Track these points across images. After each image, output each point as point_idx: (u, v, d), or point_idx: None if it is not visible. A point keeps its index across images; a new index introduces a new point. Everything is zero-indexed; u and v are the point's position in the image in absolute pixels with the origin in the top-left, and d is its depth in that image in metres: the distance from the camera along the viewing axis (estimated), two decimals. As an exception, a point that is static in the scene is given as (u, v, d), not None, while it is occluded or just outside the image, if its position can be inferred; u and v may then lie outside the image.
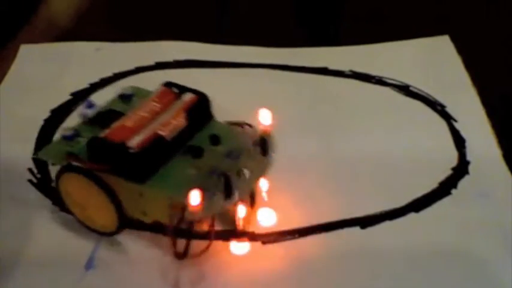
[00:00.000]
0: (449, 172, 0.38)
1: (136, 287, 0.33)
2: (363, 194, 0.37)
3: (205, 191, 0.31)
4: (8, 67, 0.48)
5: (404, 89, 0.45)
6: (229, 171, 0.32)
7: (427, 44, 0.50)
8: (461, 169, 0.39)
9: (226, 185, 0.32)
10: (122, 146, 0.32)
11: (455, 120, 0.42)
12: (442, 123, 0.42)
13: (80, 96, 0.45)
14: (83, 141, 0.34)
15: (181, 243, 0.32)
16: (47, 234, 0.35)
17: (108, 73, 0.47)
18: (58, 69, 0.47)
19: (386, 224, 0.35)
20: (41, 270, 0.33)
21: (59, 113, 0.44)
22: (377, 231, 0.35)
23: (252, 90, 0.45)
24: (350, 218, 0.35)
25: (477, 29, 0.51)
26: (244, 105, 0.44)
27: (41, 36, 0.51)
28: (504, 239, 0.34)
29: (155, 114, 0.34)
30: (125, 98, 0.37)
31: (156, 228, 0.35)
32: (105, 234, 0.35)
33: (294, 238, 0.35)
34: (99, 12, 0.56)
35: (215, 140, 0.35)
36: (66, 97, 0.45)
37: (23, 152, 0.40)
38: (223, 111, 0.43)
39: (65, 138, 0.35)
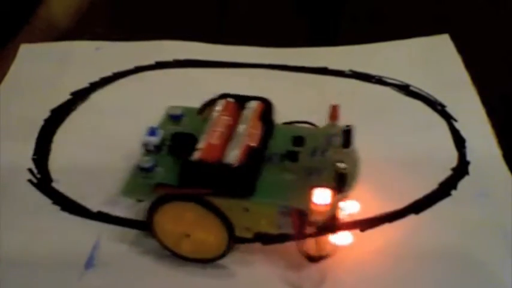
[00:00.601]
0: (449, 172, 0.38)
1: (136, 286, 0.33)
2: (362, 195, 0.37)
3: (330, 189, 0.31)
4: (8, 67, 0.48)
5: (405, 89, 0.45)
6: (324, 168, 0.32)
7: (427, 43, 0.50)
8: (461, 169, 0.39)
9: (340, 180, 0.32)
10: (223, 164, 0.31)
11: (456, 120, 0.42)
12: (442, 123, 0.42)
13: (80, 96, 0.45)
14: (161, 170, 0.33)
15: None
16: (47, 234, 0.35)
17: (108, 72, 0.47)
18: (58, 69, 0.47)
19: (385, 226, 0.35)
20: (41, 269, 0.33)
21: (59, 113, 0.44)
22: (376, 234, 0.35)
23: (252, 90, 0.45)
24: (349, 220, 0.35)
25: (477, 28, 0.51)
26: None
27: (41, 36, 0.52)
28: (504, 239, 0.34)
29: (231, 128, 0.34)
30: (175, 118, 0.37)
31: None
32: (208, 261, 0.33)
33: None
34: (99, 11, 0.56)
35: (299, 141, 0.35)
36: (66, 97, 0.45)
37: (23, 152, 0.40)
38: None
39: (144, 169, 0.33)
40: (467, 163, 0.39)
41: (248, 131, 0.33)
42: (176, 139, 0.35)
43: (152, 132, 0.35)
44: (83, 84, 0.46)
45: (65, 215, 0.36)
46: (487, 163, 0.39)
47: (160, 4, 0.56)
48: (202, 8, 0.56)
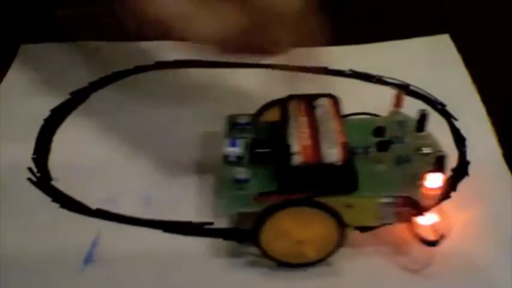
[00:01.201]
0: (449, 173, 0.38)
1: (135, 281, 0.33)
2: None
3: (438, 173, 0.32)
4: (8, 67, 0.48)
5: (405, 88, 0.45)
6: (411, 155, 0.34)
7: (427, 43, 0.50)
8: (461, 170, 0.39)
9: (440, 164, 0.32)
10: (327, 164, 0.31)
11: (456, 119, 0.42)
12: (442, 122, 0.42)
13: (80, 96, 0.45)
14: (255, 179, 0.33)
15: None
16: (47, 231, 0.36)
17: (107, 72, 0.47)
18: (58, 69, 0.48)
19: (385, 227, 0.35)
20: (40, 265, 0.34)
21: (59, 113, 0.44)
22: (376, 234, 0.35)
23: (252, 90, 0.45)
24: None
25: (477, 28, 0.51)
26: (245, 105, 0.44)
27: (42, 34, 0.51)
28: (504, 239, 0.34)
29: (313, 128, 0.33)
30: (241, 126, 0.36)
31: (156, 224, 0.35)
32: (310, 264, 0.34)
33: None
34: (98, 11, 0.56)
35: (380, 131, 0.35)
36: (66, 96, 0.45)
37: (23, 151, 0.41)
38: (223, 110, 0.44)
39: (240, 181, 0.32)
40: (467, 163, 0.39)
41: (336, 128, 0.33)
42: (256, 147, 0.34)
43: (233, 143, 0.34)
44: (83, 84, 0.46)
45: (65, 212, 0.37)
46: (487, 163, 0.39)
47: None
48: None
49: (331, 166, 0.31)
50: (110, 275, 0.33)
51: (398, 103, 0.37)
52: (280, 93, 0.45)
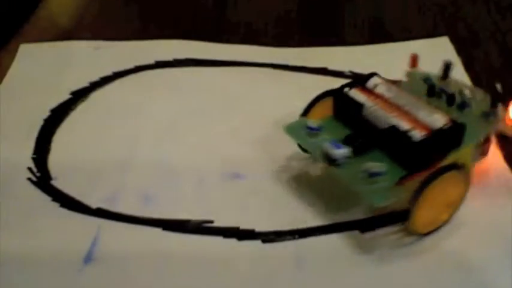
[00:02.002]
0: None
1: (134, 280, 0.33)
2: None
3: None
4: (8, 67, 0.48)
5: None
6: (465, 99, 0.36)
7: (427, 45, 0.50)
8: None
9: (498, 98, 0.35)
10: (440, 130, 0.33)
11: None
12: None
13: (80, 95, 0.45)
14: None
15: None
16: (46, 230, 0.35)
17: (108, 72, 0.47)
18: (58, 69, 0.48)
19: (385, 228, 0.35)
20: (40, 264, 0.34)
21: (59, 112, 0.44)
22: (376, 235, 0.35)
23: (252, 89, 0.45)
24: (349, 221, 0.36)
25: (477, 30, 0.51)
26: (245, 104, 0.44)
27: (41, 35, 0.51)
28: (504, 240, 0.34)
29: (393, 105, 0.35)
30: (314, 130, 0.36)
31: (155, 223, 0.36)
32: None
33: (294, 239, 0.35)
34: (98, 11, 0.56)
35: (432, 90, 0.38)
36: (66, 96, 0.45)
37: (23, 151, 0.41)
38: (224, 109, 0.44)
39: (375, 174, 0.33)
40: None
41: (411, 98, 0.36)
42: (351, 141, 0.35)
43: (337, 146, 0.34)
44: (83, 83, 0.46)
45: (64, 211, 0.36)
46: (486, 163, 0.39)
47: (160, 3, 0.56)
48: (202, 7, 0.56)
49: (444, 130, 0.33)
50: (110, 273, 0.33)
51: (414, 63, 0.40)
52: (280, 92, 0.45)
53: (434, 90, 0.37)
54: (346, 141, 0.35)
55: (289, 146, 0.40)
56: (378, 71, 0.46)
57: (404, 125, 0.33)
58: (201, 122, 0.43)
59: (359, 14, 0.55)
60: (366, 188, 0.33)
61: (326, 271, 0.33)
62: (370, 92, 0.36)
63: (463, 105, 0.36)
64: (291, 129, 0.37)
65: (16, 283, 0.33)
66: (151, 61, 0.48)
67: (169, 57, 0.48)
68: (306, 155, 0.40)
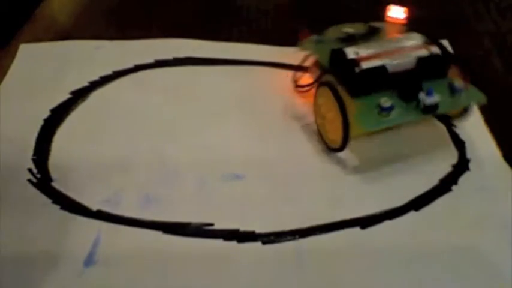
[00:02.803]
0: (449, 169, 0.38)
1: (135, 282, 0.33)
2: (362, 193, 0.37)
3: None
4: (8, 67, 0.48)
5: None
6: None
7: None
8: (461, 166, 0.39)
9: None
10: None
11: (455, 126, 0.42)
12: (441, 126, 0.42)
13: (80, 95, 0.45)
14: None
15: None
16: (47, 232, 0.35)
17: (107, 71, 0.47)
18: (58, 68, 0.47)
19: (386, 224, 0.35)
20: (40, 266, 0.34)
21: (59, 113, 0.44)
22: (378, 231, 0.35)
23: (252, 88, 0.45)
24: (350, 219, 0.36)
25: (476, 31, 0.51)
26: (245, 103, 0.44)
27: (42, 35, 0.51)
28: (505, 234, 0.34)
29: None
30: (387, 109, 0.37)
31: (156, 225, 0.36)
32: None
33: (294, 239, 0.35)
34: (98, 10, 0.56)
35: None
36: (66, 96, 0.45)
37: (22, 152, 0.40)
38: (224, 109, 0.44)
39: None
40: (468, 160, 0.39)
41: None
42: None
43: (429, 92, 0.37)
44: (83, 83, 0.46)
45: (65, 213, 0.36)
46: (487, 160, 0.39)
47: (160, 2, 0.56)
48: (202, 5, 0.56)
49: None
50: (111, 276, 0.33)
51: None
52: (280, 91, 0.45)
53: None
54: (402, 96, 0.38)
55: (289, 146, 0.40)
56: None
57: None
58: (202, 122, 0.43)
59: (359, 12, 0.55)
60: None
61: (327, 270, 0.33)
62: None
63: None
64: (365, 120, 0.37)
65: (16, 285, 0.33)
66: (151, 60, 0.48)
67: (169, 56, 0.48)
68: (305, 155, 0.40)
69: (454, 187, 0.37)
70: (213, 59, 0.48)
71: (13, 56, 0.49)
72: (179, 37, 0.50)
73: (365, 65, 0.37)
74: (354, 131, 0.37)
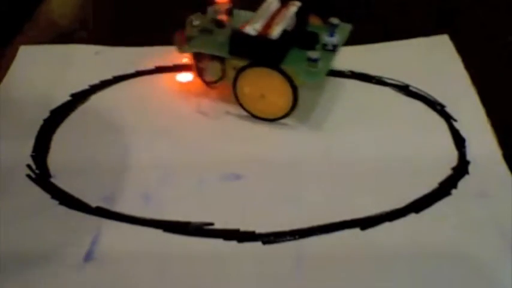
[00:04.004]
0: (449, 172, 0.38)
1: (135, 279, 0.33)
2: (362, 194, 0.37)
3: None
4: (8, 67, 0.48)
5: (404, 89, 0.45)
6: None
7: (427, 44, 0.50)
8: (461, 169, 0.39)
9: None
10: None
11: (455, 120, 0.42)
12: (442, 123, 0.42)
13: (80, 97, 0.45)
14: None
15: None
16: (46, 227, 0.35)
17: (108, 76, 0.47)
18: (57, 71, 0.47)
19: (386, 225, 0.35)
20: (39, 261, 0.34)
21: (59, 113, 0.44)
22: (377, 233, 0.35)
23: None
24: (350, 220, 0.35)
25: (477, 28, 0.51)
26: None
27: (42, 36, 0.51)
28: (504, 239, 0.34)
29: None
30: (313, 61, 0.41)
31: (156, 224, 0.36)
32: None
33: (295, 239, 0.35)
34: (98, 11, 0.56)
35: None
36: (65, 98, 0.45)
37: (22, 150, 0.40)
38: (223, 109, 0.44)
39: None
40: (467, 162, 0.39)
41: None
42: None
43: (331, 34, 0.42)
44: (83, 86, 0.46)
45: (64, 209, 0.37)
46: (487, 163, 0.39)
47: (161, 9, 0.56)
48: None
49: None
50: (110, 273, 0.33)
51: None
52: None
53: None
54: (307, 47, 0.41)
55: (289, 146, 0.40)
56: (379, 69, 0.47)
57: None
58: (201, 123, 0.43)
59: (358, 12, 0.55)
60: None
61: (326, 271, 0.33)
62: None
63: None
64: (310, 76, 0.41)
65: (14, 281, 0.33)
66: (151, 66, 0.48)
67: (169, 63, 0.48)
68: (305, 154, 0.40)
69: (453, 191, 0.37)
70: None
71: (13, 57, 0.49)
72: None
73: (271, 35, 0.40)
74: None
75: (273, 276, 0.33)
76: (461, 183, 0.37)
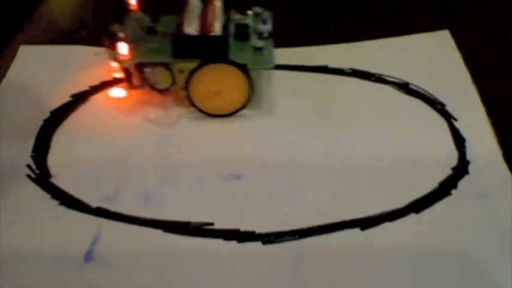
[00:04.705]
0: (449, 172, 0.38)
1: (135, 279, 0.33)
2: (363, 194, 0.37)
3: None
4: (8, 67, 0.48)
5: (404, 87, 0.45)
6: None
7: (427, 39, 0.50)
8: (461, 169, 0.39)
9: None
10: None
11: (455, 119, 0.42)
12: (442, 122, 0.42)
13: (80, 98, 0.45)
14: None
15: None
16: (47, 228, 0.36)
17: (107, 77, 0.47)
18: (57, 72, 0.47)
19: (386, 226, 0.35)
20: (40, 261, 0.34)
21: (59, 114, 0.44)
22: (377, 233, 0.35)
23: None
24: (350, 220, 0.36)
25: (477, 28, 0.51)
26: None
27: (42, 36, 0.51)
28: (504, 239, 0.34)
29: None
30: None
31: (156, 224, 0.36)
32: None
33: (295, 239, 0.35)
34: (98, 11, 0.56)
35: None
36: (65, 99, 0.45)
37: (22, 150, 0.40)
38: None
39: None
40: (467, 162, 0.39)
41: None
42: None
43: (264, 22, 0.44)
44: (83, 87, 0.46)
45: (64, 209, 0.37)
46: (487, 162, 0.39)
47: (160, 9, 0.56)
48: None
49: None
50: (110, 273, 0.33)
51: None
52: (279, 92, 0.45)
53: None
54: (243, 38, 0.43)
55: (289, 146, 0.40)
56: (379, 66, 0.47)
57: None
58: (201, 123, 0.43)
59: (359, 9, 0.55)
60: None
61: (326, 271, 0.33)
62: None
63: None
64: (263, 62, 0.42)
65: (15, 281, 0.33)
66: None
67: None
68: (305, 154, 0.40)
69: (453, 191, 0.37)
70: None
71: (13, 57, 0.49)
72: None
73: (215, 32, 0.41)
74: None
75: (273, 276, 0.33)
76: (461, 183, 0.38)
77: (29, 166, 0.39)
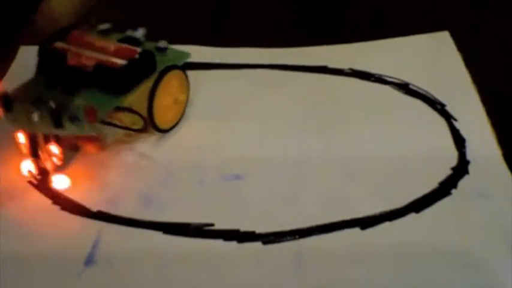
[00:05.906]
0: (449, 172, 0.38)
1: (136, 283, 0.33)
2: (362, 194, 0.37)
3: None
4: (8, 67, 0.48)
5: (404, 87, 0.45)
6: None
7: (427, 40, 0.50)
8: (461, 169, 0.39)
9: None
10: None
11: (455, 119, 0.42)
12: (442, 122, 0.42)
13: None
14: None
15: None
16: (47, 233, 0.36)
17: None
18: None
19: (386, 225, 0.35)
20: (41, 266, 0.34)
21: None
22: (377, 233, 0.35)
23: (252, 91, 0.45)
24: (350, 219, 0.36)
25: (477, 28, 0.51)
26: (245, 106, 0.44)
27: (42, 35, 0.51)
28: (504, 239, 0.34)
29: None
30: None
31: (156, 226, 0.36)
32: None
33: (295, 239, 0.35)
34: (98, 11, 0.56)
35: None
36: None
37: (23, 152, 0.40)
38: (223, 110, 0.44)
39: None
40: (467, 162, 0.39)
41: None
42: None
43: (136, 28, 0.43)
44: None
45: (65, 214, 0.37)
46: (487, 162, 0.39)
47: (158, 8, 0.56)
48: (200, 10, 0.56)
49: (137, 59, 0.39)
50: (111, 276, 0.33)
51: None
52: (279, 92, 0.45)
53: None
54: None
55: (289, 146, 0.40)
56: (379, 67, 0.47)
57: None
58: (201, 123, 0.43)
59: (359, 9, 0.55)
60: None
61: (326, 271, 0.33)
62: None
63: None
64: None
65: (16, 285, 0.33)
66: None
67: None
68: (305, 154, 0.40)
69: (453, 191, 0.37)
70: (212, 64, 0.48)
71: (13, 57, 0.49)
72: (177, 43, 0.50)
73: (123, 61, 0.38)
74: None
75: (273, 276, 0.33)
76: (461, 183, 0.38)
77: (30, 172, 0.39)
